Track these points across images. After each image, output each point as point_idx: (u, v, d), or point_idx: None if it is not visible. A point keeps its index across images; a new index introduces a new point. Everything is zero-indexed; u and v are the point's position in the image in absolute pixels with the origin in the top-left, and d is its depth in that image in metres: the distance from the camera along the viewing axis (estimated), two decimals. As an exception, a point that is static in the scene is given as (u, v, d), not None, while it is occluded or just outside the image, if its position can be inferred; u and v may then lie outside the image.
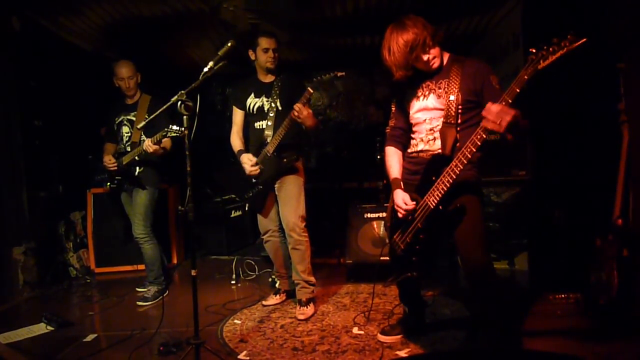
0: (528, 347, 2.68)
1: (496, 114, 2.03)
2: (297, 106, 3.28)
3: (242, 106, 3.65)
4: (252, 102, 3.61)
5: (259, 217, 3.70)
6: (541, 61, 1.95)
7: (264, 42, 3.50)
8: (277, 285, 3.91)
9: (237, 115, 3.71)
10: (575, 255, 3.77)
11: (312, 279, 3.61)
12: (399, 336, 2.94)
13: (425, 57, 2.42)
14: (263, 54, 3.51)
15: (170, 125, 3.32)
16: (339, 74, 3.27)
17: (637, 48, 3.18)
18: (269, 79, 3.61)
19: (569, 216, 4.13)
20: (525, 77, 2.00)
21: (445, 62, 2.53)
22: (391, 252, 2.68)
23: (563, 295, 3.36)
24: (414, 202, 2.45)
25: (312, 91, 3.30)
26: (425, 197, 2.39)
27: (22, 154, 4.50)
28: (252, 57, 3.58)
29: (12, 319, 3.83)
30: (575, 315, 3.11)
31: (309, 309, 3.50)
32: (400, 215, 2.52)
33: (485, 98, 2.34)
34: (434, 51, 2.44)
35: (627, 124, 3.18)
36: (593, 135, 3.78)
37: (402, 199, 2.50)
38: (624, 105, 3.21)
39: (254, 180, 3.54)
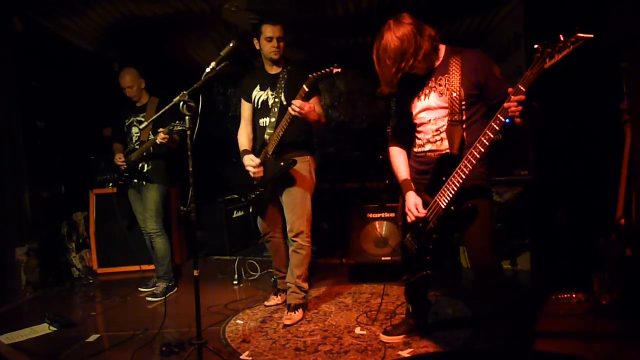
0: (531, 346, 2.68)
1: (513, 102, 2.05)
2: (296, 102, 3.05)
3: (249, 98, 3.48)
4: (258, 95, 3.43)
5: (259, 219, 3.61)
6: (547, 60, 1.92)
7: (268, 30, 3.27)
8: (278, 285, 3.85)
9: (245, 109, 3.53)
10: (577, 255, 3.76)
11: (305, 285, 3.52)
12: (402, 336, 2.93)
13: (418, 66, 2.36)
14: (267, 43, 3.29)
15: (177, 121, 3.51)
16: (335, 70, 2.99)
17: (640, 47, 3.17)
18: (275, 70, 3.40)
19: (571, 216, 4.12)
20: (532, 76, 1.98)
21: (442, 56, 2.46)
22: (404, 251, 2.66)
23: (566, 295, 3.35)
24: (425, 211, 2.42)
25: (307, 89, 3.07)
26: (435, 197, 2.37)
27: (24, 154, 4.51)
28: (257, 47, 3.37)
29: (15, 320, 3.84)
30: (578, 315, 3.10)
31: (297, 315, 3.40)
32: (409, 219, 2.50)
33: (491, 90, 2.33)
34: (428, 57, 2.38)
35: (629, 124, 3.17)
36: (595, 135, 3.77)
37: (414, 204, 2.46)
38: (626, 105, 3.20)
39: (255, 182, 3.38)
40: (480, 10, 4.92)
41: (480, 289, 2.53)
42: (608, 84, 3.42)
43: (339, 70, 3.00)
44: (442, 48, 2.49)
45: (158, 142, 3.85)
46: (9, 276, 4.35)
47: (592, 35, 1.84)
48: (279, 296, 3.78)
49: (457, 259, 4.52)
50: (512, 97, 2.03)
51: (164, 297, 4.05)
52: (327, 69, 3.01)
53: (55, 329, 3.52)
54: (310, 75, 3.05)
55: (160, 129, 3.79)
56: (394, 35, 2.29)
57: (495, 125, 2.10)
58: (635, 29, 3.19)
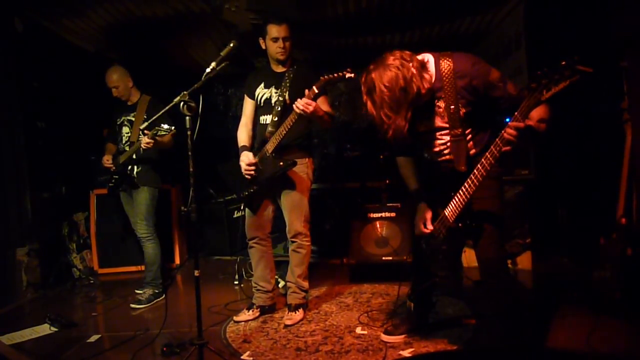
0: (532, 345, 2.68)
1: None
2: (301, 100, 2.98)
3: (252, 95, 3.42)
4: (261, 92, 3.37)
5: (248, 221, 3.52)
6: (544, 91, 1.91)
7: (274, 31, 3.22)
8: (253, 299, 3.61)
9: (248, 106, 3.47)
10: (578, 254, 3.76)
11: (306, 285, 3.51)
12: (403, 336, 2.93)
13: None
14: (272, 43, 3.25)
15: (161, 124, 3.51)
16: (348, 75, 2.90)
17: (640, 46, 3.17)
18: (281, 69, 3.36)
19: (572, 215, 4.13)
20: (528, 108, 1.98)
21: (434, 72, 2.34)
22: (416, 258, 2.71)
23: (567, 295, 3.35)
24: (432, 228, 2.45)
25: (317, 91, 3.01)
26: (444, 211, 2.39)
27: (25, 155, 4.51)
28: (263, 47, 3.33)
29: (16, 320, 3.84)
30: (579, 314, 3.10)
31: (297, 315, 3.39)
32: (416, 232, 2.54)
33: (495, 98, 2.29)
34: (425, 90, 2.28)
35: (630, 123, 3.17)
36: (596, 134, 3.77)
37: (422, 220, 2.49)
38: (626, 104, 3.20)
39: (251, 180, 3.32)
40: (481, 10, 4.92)
41: (485, 286, 2.54)
42: (608, 84, 3.42)
43: (352, 75, 2.90)
44: (431, 62, 2.36)
45: (143, 147, 3.79)
46: (9, 277, 4.35)
47: (591, 70, 1.83)
48: (251, 311, 3.53)
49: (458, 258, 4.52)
50: (511, 125, 2.02)
51: (147, 305, 4.01)
52: (339, 73, 2.94)
53: (56, 329, 3.52)
54: (321, 77, 3.00)
55: (146, 131, 3.70)
56: (389, 89, 2.16)
57: (495, 152, 2.10)
58: (635, 28, 3.18)
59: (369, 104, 2.25)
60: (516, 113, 2.01)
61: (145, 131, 3.66)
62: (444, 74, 2.31)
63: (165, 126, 3.58)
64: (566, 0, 3.95)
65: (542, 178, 4.25)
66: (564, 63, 1.85)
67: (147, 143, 3.74)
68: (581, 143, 3.95)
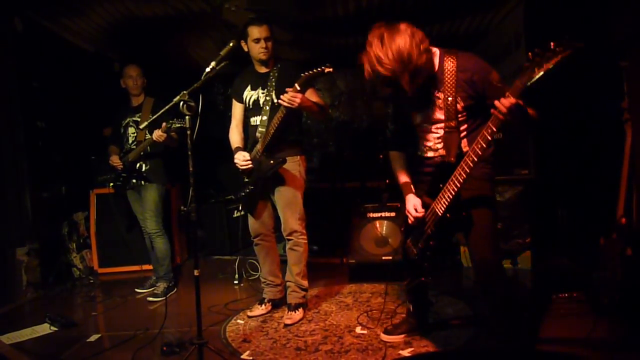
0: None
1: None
2: (285, 95, 3.00)
3: (240, 99, 3.47)
4: (249, 95, 3.42)
5: (250, 220, 3.54)
6: (536, 69, 1.89)
7: (255, 32, 3.25)
8: (264, 294, 3.69)
9: (236, 109, 3.52)
10: (578, 254, 3.76)
11: (305, 283, 3.51)
12: (402, 336, 2.93)
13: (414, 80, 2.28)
14: (254, 44, 3.28)
15: (174, 118, 3.56)
16: (327, 69, 2.94)
17: (640, 46, 3.17)
18: (265, 69, 3.40)
19: (571, 215, 4.12)
20: (521, 85, 1.97)
21: (437, 64, 2.40)
22: (404, 256, 2.70)
23: (566, 295, 3.34)
24: (424, 210, 2.44)
25: (299, 88, 3.02)
26: (433, 204, 2.40)
27: (25, 154, 4.51)
28: (245, 49, 3.35)
29: (16, 320, 3.84)
30: (578, 314, 3.10)
31: (297, 314, 3.40)
32: (409, 221, 2.53)
33: (491, 98, 2.26)
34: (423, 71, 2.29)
35: (630, 123, 3.16)
36: (596, 134, 3.77)
37: (413, 205, 2.49)
38: (627, 104, 3.19)
39: (246, 180, 3.38)
40: (480, 9, 4.92)
41: (481, 288, 2.54)
42: (608, 83, 3.42)
43: (331, 69, 2.96)
44: (436, 53, 2.41)
45: (155, 139, 3.86)
46: (10, 276, 4.35)
47: (581, 44, 1.81)
48: (263, 306, 3.61)
49: (457, 258, 4.52)
50: (501, 101, 2.01)
51: (165, 298, 4.05)
52: (318, 69, 2.97)
53: (56, 329, 3.53)
54: (302, 75, 3.02)
55: (157, 130, 3.80)
56: (389, 51, 2.17)
57: (487, 135, 2.10)
58: (635, 28, 3.18)
59: (366, 57, 2.30)
60: (507, 92, 2.00)
61: (162, 127, 3.74)
62: (446, 68, 2.36)
63: (177, 119, 3.64)
64: (566, 0, 3.95)
65: (542, 178, 4.25)
66: (553, 44, 1.84)
67: (160, 136, 3.82)
68: (581, 143, 3.95)
